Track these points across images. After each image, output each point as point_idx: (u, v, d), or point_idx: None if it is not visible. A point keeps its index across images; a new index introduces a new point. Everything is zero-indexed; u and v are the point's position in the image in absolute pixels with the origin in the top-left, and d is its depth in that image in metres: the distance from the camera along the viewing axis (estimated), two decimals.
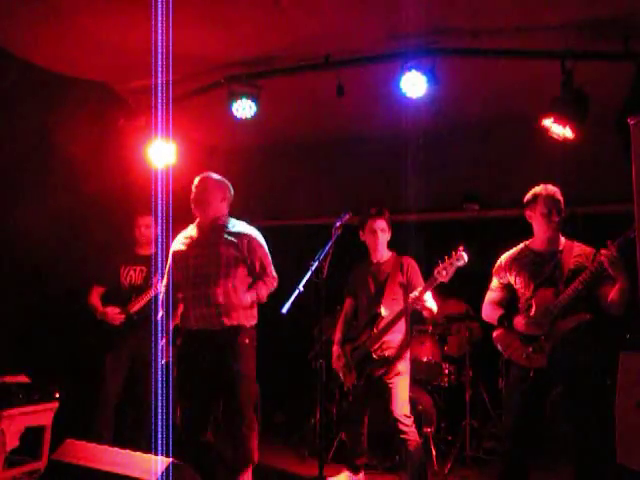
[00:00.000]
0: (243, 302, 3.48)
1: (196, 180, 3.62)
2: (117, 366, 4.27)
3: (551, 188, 3.32)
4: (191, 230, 3.67)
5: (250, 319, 3.58)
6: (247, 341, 3.53)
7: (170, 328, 3.58)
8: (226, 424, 3.64)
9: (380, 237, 4.06)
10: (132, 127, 4.76)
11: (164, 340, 3.53)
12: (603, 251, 3.01)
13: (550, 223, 3.28)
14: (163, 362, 3.47)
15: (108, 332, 4.28)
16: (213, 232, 3.55)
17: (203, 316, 3.46)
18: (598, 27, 3.72)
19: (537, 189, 3.34)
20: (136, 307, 4.28)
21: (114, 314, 4.28)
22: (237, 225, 3.64)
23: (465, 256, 3.57)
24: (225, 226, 3.58)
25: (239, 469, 3.50)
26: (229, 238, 3.51)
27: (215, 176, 3.66)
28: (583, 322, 3.12)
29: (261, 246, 3.63)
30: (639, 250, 2.95)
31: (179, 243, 3.65)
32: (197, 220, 3.65)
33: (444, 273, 3.62)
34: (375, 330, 3.94)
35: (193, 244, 3.56)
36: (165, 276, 3.68)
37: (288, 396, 5.82)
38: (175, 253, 3.63)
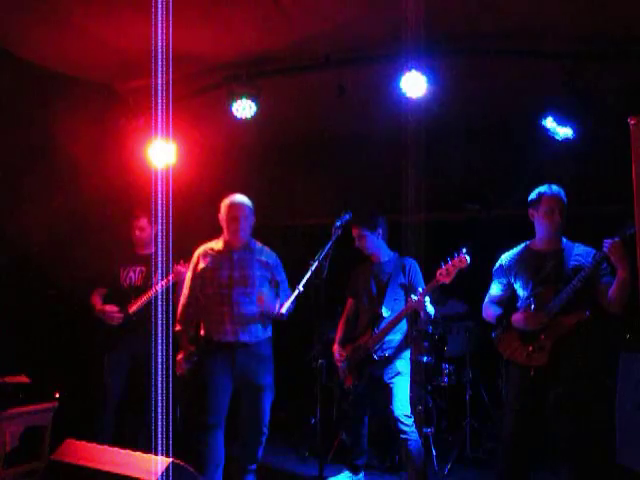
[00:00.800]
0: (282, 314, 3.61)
1: (231, 203, 3.79)
2: (116, 366, 4.27)
3: (555, 188, 3.31)
4: (218, 247, 3.82)
5: (270, 330, 3.87)
6: (270, 351, 3.85)
7: (187, 341, 3.78)
8: (245, 430, 3.79)
9: (361, 243, 4.09)
10: (132, 127, 4.76)
11: (181, 355, 3.72)
12: (607, 240, 3.02)
13: (552, 223, 3.27)
14: (178, 373, 3.67)
15: (107, 332, 4.27)
16: (246, 254, 3.78)
17: (244, 332, 3.68)
18: (598, 27, 3.71)
19: (541, 188, 3.34)
20: (134, 307, 4.28)
21: (112, 313, 4.26)
22: (261, 247, 3.89)
23: (468, 258, 3.57)
24: (254, 248, 3.83)
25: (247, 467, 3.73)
26: (261, 260, 3.79)
27: (248, 202, 3.83)
28: (583, 320, 3.12)
29: (282, 269, 3.93)
30: (639, 250, 2.96)
31: (208, 260, 3.80)
32: (225, 238, 3.81)
33: (446, 275, 3.62)
34: (376, 330, 3.94)
35: (225, 264, 3.75)
36: (187, 290, 3.83)
37: (288, 396, 5.82)
38: (204, 270, 3.77)
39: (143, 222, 4.42)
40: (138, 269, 4.43)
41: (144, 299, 4.26)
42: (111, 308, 4.29)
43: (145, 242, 4.48)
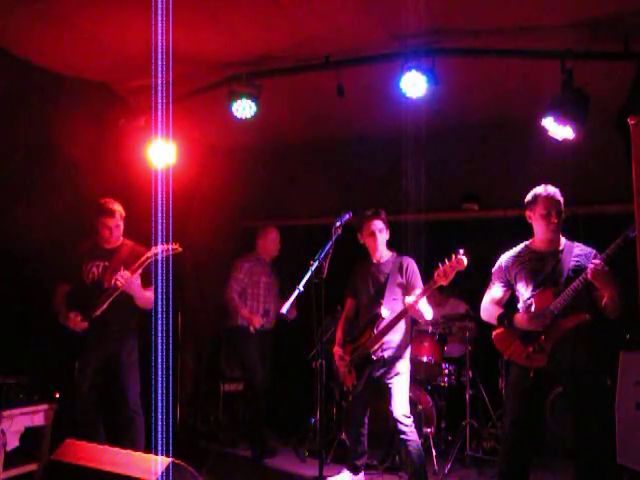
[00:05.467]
0: None
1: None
2: (87, 369, 4.08)
3: (551, 189, 3.31)
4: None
5: None
6: None
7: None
8: None
9: (378, 238, 4.06)
10: (132, 127, 4.74)
11: None
12: (590, 265, 3.03)
13: (550, 224, 3.27)
14: None
15: (75, 337, 4.07)
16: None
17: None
18: (598, 27, 3.71)
19: (537, 190, 3.33)
20: (98, 311, 4.04)
21: (75, 321, 4.05)
22: None
23: (465, 260, 3.56)
24: None
25: None
26: None
27: None
28: (583, 322, 3.12)
29: None
30: (639, 250, 2.95)
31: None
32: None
33: (444, 276, 3.61)
34: (375, 331, 3.94)
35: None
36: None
37: (288, 396, 5.81)
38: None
39: (117, 220, 4.20)
40: (102, 264, 4.18)
41: (107, 301, 4.03)
42: (75, 316, 4.06)
43: (113, 238, 4.25)
